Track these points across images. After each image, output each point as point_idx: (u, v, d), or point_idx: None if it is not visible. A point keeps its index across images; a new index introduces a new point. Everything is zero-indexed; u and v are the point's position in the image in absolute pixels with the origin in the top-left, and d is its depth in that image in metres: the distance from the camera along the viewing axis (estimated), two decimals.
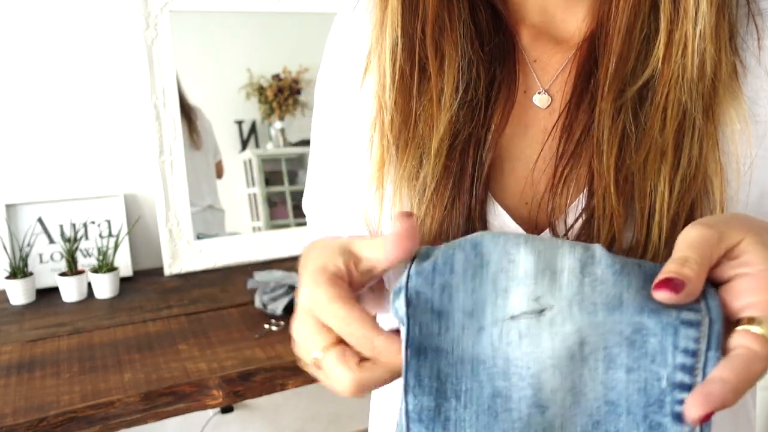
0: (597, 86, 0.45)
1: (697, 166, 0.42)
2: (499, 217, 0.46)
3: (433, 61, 0.48)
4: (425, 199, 0.47)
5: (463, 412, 0.35)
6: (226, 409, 1.58)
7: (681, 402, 0.32)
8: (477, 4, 0.50)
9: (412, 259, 0.37)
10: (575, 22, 0.49)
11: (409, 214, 0.37)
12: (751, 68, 0.44)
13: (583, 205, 0.44)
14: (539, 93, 0.49)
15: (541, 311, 0.34)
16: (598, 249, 0.35)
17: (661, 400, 0.32)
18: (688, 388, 0.32)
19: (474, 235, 0.37)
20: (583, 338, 0.33)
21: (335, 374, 0.36)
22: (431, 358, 0.35)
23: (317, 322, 0.37)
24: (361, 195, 0.53)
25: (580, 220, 0.43)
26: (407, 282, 0.36)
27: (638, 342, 0.33)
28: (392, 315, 0.36)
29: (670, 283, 0.32)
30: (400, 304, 0.35)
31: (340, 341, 0.37)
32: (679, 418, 0.32)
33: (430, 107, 0.48)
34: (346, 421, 1.71)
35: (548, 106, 0.49)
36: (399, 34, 0.48)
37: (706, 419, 0.30)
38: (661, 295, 0.32)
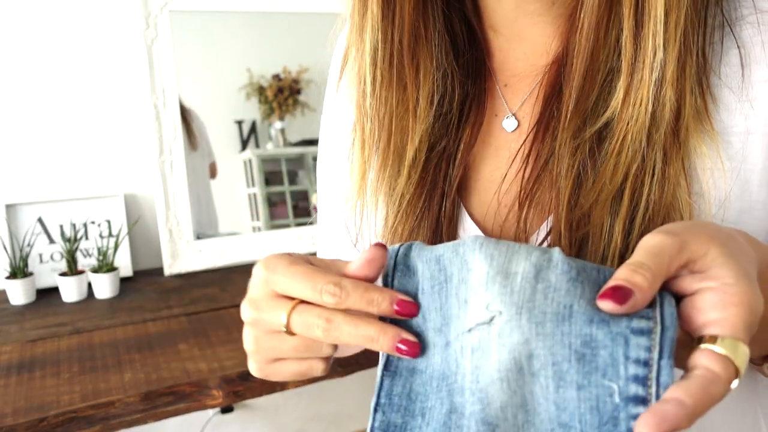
0: (560, 116, 0.44)
1: (656, 209, 0.41)
2: (471, 234, 0.46)
3: (409, 70, 0.47)
4: (400, 209, 0.48)
5: (426, 429, 0.34)
6: (226, 409, 1.58)
7: (635, 417, 0.30)
8: (452, 14, 0.49)
9: (393, 271, 0.38)
10: (543, 44, 0.48)
11: (381, 246, 0.37)
12: (724, 102, 0.42)
13: (546, 233, 0.44)
14: (507, 117, 0.49)
15: (491, 319, 0.32)
16: (556, 253, 0.33)
17: (615, 417, 0.30)
18: (642, 400, 0.30)
19: (437, 246, 0.36)
20: (531, 351, 0.31)
21: (308, 323, 0.36)
22: (405, 378, 0.36)
23: (274, 294, 0.38)
24: (342, 203, 0.53)
25: None
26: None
27: (588, 355, 0.31)
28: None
29: (615, 293, 0.30)
30: None
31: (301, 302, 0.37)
32: None
33: (407, 117, 0.48)
34: (346, 421, 1.71)
35: (516, 129, 0.49)
36: (379, 39, 0.47)
37: None
38: (605, 306, 0.30)
